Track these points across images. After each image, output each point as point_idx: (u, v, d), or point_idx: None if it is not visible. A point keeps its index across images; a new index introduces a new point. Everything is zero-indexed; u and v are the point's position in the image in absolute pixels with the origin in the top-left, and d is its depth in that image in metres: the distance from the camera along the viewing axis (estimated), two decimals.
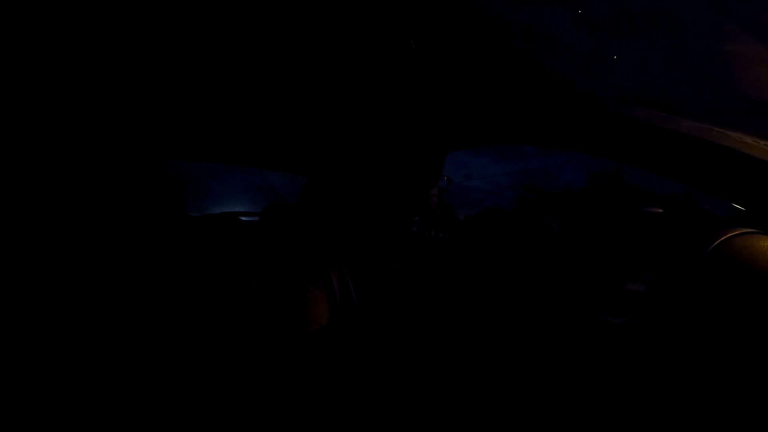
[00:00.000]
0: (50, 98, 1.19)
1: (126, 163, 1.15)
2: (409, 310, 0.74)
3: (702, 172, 0.65)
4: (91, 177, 1.14)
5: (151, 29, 0.92)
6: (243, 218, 1.78)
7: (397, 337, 0.63)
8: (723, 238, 0.40)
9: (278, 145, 1.69)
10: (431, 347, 0.66)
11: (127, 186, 1.13)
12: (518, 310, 0.68)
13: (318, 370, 0.67)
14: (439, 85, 1.11)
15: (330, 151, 1.63)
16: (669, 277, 0.41)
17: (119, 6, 0.83)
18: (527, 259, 0.65)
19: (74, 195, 1.10)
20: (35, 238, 0.99)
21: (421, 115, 1.29)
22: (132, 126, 1.44)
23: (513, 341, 0.67)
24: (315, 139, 1.60)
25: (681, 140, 0.71)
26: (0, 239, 0.95)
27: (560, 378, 0.61)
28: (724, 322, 0.36)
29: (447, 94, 1.16)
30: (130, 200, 1.12)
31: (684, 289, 0.39)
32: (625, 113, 0.83)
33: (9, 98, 1.11)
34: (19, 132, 1.14)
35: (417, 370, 0.64)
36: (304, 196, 1.24)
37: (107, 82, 1.17)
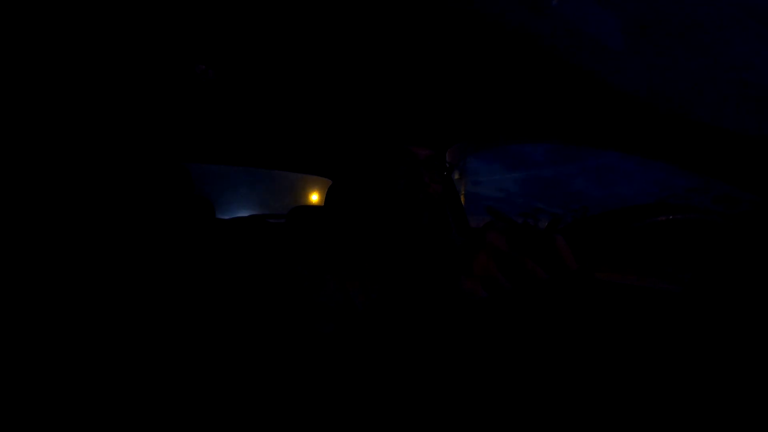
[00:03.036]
0: (76, 105, 1.27)
1: (153, 168, 1.20)
2: (423, 313, 0.75)
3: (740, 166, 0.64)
4: (118, 181, 1.21)
5: (177, 35, 0.96)
6: (270, 221, 1.83)
7: (408, 340, 0.64)
8: None
9: (304, 148, 1.73)
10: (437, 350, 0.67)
11: (154, 190, 1.18)
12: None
13: (327, 373, 0.69)
14: (460, 83, 1.12)
15: (352, 151, 1.65)
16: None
17: (152, 15, 0.88)
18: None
19: (101, 199, 1.16)
20: (63, 240, 1.04)
21: (434, 112, 1.30)
22: (159, 131, 1.51)
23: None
24: (339, 141, 1.63)
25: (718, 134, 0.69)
26: (31, 241, 1.01)
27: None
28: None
29: (467, 92, 1.16)
30: (158, 204, 1.17)
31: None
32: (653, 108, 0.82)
33: (33, 109, 1.18)
34: (48, 140, 1.21)
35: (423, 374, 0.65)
36: (330, 198, 1.27)
37: (135, 89, 1.23)
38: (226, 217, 1.65)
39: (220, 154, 1.76)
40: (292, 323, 0.77)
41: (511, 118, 1.22)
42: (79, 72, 1.11)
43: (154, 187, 1.17)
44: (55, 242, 1.03)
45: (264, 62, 1.10)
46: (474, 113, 1.27)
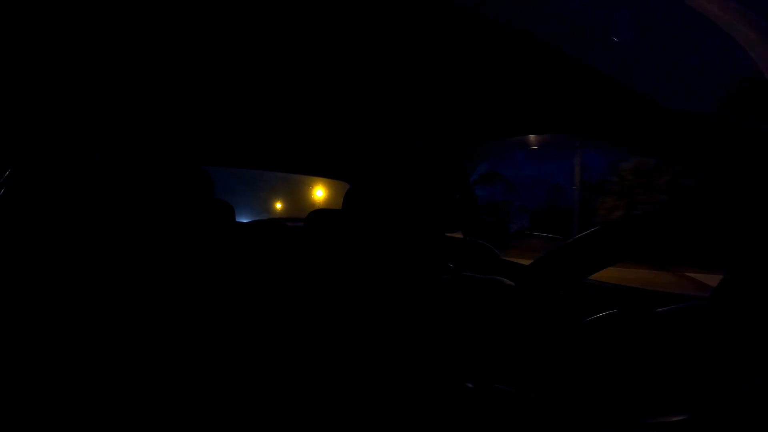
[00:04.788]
0: (97, 109, 1.30)
1: (174, 171, 1.22)
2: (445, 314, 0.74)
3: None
4: (141, 185, 1.23)
5: (197, 38, 0.98)
6: (288, 224, 1.85)
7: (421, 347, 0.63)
8: None
9: (323, 152, 1.74)
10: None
11: (175, 193, 1.20)
12: None
13: (332, 379, 0.68)
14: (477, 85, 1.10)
15: (371, 155, 1.65)
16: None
17: (170, 18, 0.90)
18: None
19: (124, 202, 1.18)
20: (84, 243, 1.07)
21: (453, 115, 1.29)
22: (181, 135, 1.54)
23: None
24: (357, 145, 1.63)
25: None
26: (52, 242, 1.03)
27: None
28: None
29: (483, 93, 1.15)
30: (179, 207, 1.19)
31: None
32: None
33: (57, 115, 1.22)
34: (69, 143, 1.24)
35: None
36: (348, 202, 1.26)
37: (155, 93, 1.26)
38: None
39: (240, 158, 1.78)
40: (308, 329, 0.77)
41: (524, 118, 1.20)
42: (101, 77, 1.14)
43: (175, 190, 1.19)
44: (75, 244, 1.05)
45: (284, 66, 1.11)
46: (486, 113, 1.26)
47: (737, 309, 0.38)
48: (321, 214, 1.40)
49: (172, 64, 1.10)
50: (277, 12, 0.86)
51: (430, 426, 0.61)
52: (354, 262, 0.88)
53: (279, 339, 1.02)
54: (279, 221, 1.90)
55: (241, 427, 0.88)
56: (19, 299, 0.91)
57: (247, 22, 0.90)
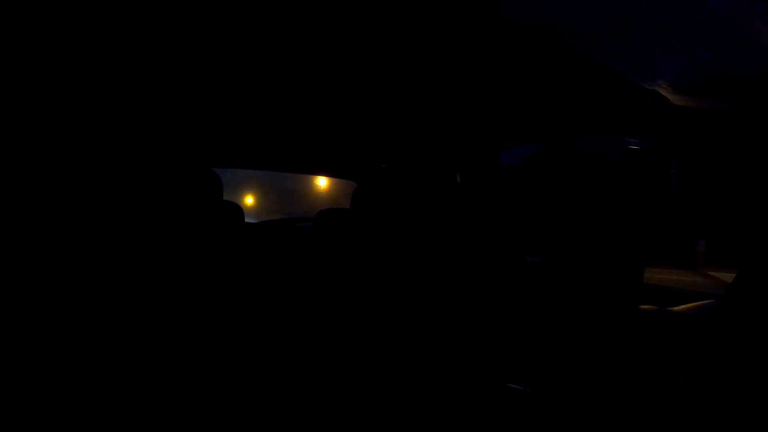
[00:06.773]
0: (108, 111, 1.32)
1: (184, 173, 1.23)
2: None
3: None
4: (152, 187, 1.24)
5: (205, 40, 0.98)
6: (298, 224, 1.85)
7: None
8: None
9: (330, 152, 1.74)
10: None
11: (185, 195, 1.21)
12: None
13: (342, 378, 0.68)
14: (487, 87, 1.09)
15: (380, 155, 1.64)
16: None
17: (183, 20, 0.90)
18: None
19: (136, 204, 1.20)
20: (93, 243, 1.08)
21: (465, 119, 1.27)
22: (190, 137, 1.55)
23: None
24: (366, 144, 1.63)
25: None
26: (61, 243, 1.05)
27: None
28: None
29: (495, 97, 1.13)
30: (189, 208, 1.20)
31: None
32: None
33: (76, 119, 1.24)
34: (80, 144, 1.26)
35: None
36: (356, 201, 1.26)
37: (165, 95, 1.27)
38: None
39: (249, 159, 1.79)
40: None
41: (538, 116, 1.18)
42: (112, 79, 1.15)
43: (185, 192, 1.20)
44: (85, 244, 1.07)
45: (295, 68, 1.11)
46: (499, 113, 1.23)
47: (749, 307, 0.36)
48: (330, 213, 1.40)
49: (182, 66, 1.10)
50: (287, 12, 0.86)
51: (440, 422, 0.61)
52: (364, 259, 0.88)
53: (290, 337, 1.02)
54: (288, 221, 1.91)
55: (248, 424, 0.88)
56: (37, 294, 0.93)
57: (258, 23, 0.90)
